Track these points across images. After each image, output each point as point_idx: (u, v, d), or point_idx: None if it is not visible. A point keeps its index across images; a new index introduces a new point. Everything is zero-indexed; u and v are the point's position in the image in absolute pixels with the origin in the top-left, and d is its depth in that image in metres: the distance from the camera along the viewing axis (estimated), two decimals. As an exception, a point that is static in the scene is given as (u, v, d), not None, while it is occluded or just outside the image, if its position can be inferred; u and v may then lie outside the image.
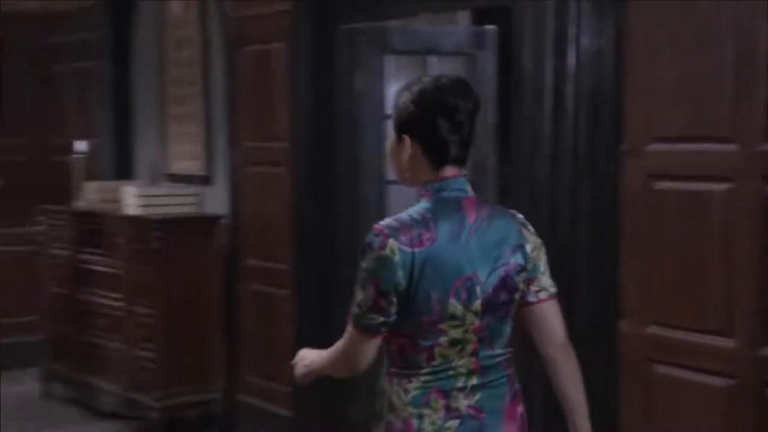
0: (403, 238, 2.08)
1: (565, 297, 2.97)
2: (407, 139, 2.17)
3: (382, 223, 2.14)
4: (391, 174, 4.44)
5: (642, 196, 3.02)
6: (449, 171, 2.17)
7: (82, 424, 5.38)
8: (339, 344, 2.23)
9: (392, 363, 2.17)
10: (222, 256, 5.09)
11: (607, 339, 3.10)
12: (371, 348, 2.15)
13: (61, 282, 5.61)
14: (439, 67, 4.58)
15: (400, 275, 2.08)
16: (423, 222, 2.11)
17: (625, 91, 2.98)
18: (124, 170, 5.96)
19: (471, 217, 2.15)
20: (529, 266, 2.20)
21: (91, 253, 5.35)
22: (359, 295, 2.12)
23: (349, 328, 2.16)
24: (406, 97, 2.18)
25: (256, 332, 4.95)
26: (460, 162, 2.18)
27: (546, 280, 2.25)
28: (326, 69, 4.65)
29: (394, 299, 2.09)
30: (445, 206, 2.14)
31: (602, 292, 3.07)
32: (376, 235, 2.10)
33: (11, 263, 6.31)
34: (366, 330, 2.12)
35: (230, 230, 5.08)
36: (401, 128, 2.19)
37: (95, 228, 5.34)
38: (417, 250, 2.08)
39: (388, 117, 4.55)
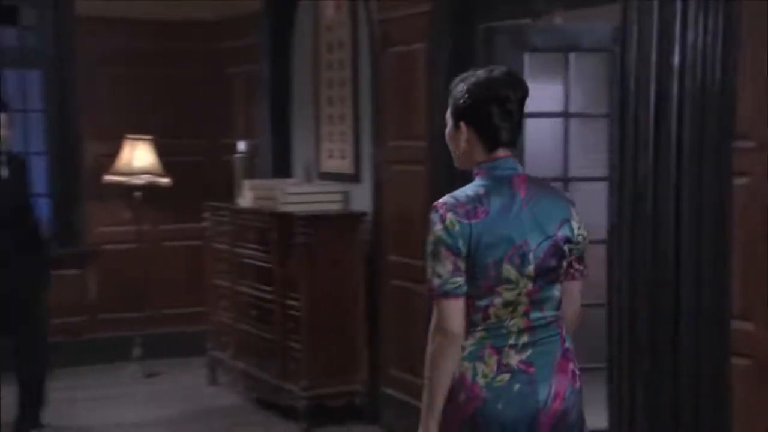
0: (459, 211, 2.35)
1: (670, 295, 2.92)
2: (463, 126, 2.44)
3: (440, 200, 2.40)
4: (527, 172, 4.53)
5: (761, 194, 2.91)
6: (501, 153, 2.44)
7: (239, 411, 5.68)
8: (432, 322, 2.38)
9: None
10: (365, 252, 5.24)
11: (716, 339, 3.00)
12: (460, 311, 2.35)
13: (223, 275, 5.95)
14: (579, 65, 4.54)
15: (461, 243, 2.33)
16: (477, 197, 2.37)
17: (739, 87, 2.88)
18: (283, 169, 6.22)
19: (521, 193, 2.40)
20: (576, 241, 2.45)
21: (248, 248, 5.64)
22: (437, 267, 2.35)
23: (435, 304, 2.36)
24: (462, 88, 2.45)
25: (397, 326, 5.07)
26: (510, 145, 2.45)
27: (585, 261, 2.52)
28: (465, 68, 4.66)
29: (464, 262, 2.34)
30: (497, 183, 2.40)
31: (708, 291, 2.97)
32: (436, 211, 2.37)
33: (182, 257, 6.75)
34: (452, 294, 2.34)
35: (373, 227, 5.22)
36: (458, 116, 2.46)
37: (252, 224, 5.62)
38: (473, 221, 2.34)
39: (527, 115, 4.58)
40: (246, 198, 5.74)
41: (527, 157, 4.63)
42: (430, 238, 2.37)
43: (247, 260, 5.66)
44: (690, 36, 2.92)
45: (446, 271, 2.34)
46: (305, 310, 5.17)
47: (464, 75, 2.51)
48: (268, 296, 5.45)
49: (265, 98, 6.27)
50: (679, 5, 2.95)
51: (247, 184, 5.77)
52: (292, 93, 6.26)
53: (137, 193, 6.33)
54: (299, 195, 5.35)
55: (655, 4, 3.00)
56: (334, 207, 5.40)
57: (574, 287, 2.52)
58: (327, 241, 5.18)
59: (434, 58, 4.78)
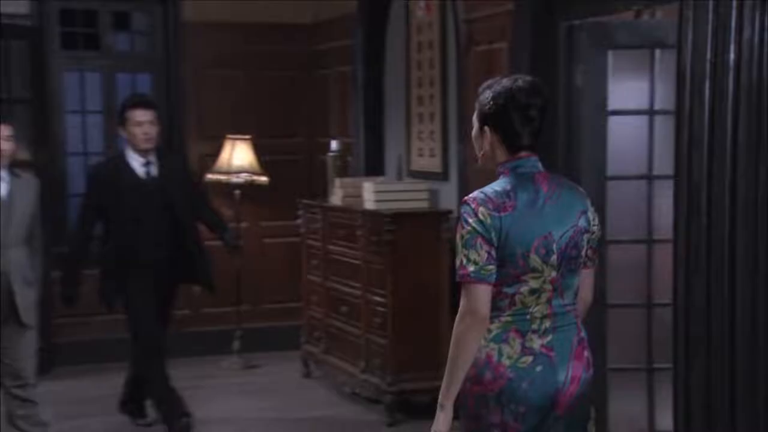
0: (490, 205, 2.53)
1: (726, 299, 2.88)
2: (487, 130, 2.63)
3: (470, 195, 2.58)
4: (612, 170, 4.50)
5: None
6: (522, 153, 2.62)
7: (330, 404, 5.82)
8: (461, 306, 2.55)
9: None
10: (450, 249, 5.29)
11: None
12: (489, 296, 2.53)
13: (315, 271, 6.10)
14: (664, 61, 4.47)
15: (493, 234, 2.51)
16: (504, 193, 2.55)
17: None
18: (376, 167, 6.34)
19: (544, 188, 2.59)
20: (591, 231, 2.65)
21: (338, 245, 5.78)
22: (472, 254, 2.51)
23: (467, 289, 2.52)
24: (488, 94, 2.63)
25: (480, 324, 5.09)
26: (530, 149, 2.62)
27: (597, 251, 2.72)
28: (546, 66, 4.69)
29: (495, 251, 2.51)
30: (521, 180, 2.58)
31: (764, 290, 2.90)
32: (468, 205, 2.55)
33: (281, 253, 6.94)
34: (485, 280, 2.51)
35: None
36: (483, 120, 2.65)
37: (341, 221, 5.76)
38: (502, 214, 2.52)
39: (611, 113, 4.57)
40: (336, 196, 5.88)
41: (610, 154, 4.63)
42: (466, 229, 2.53)
43: (337, 257, 5.80)
44: (746, 33, 2.87)
45: (481, 259, 2.50)
46: (390, 306, 5.26)
47: (490, 82, 2.68)
48: (356, 292, 5.57)
49: (359, 98, 6.41)
50: (734, 2, 2.90)
51: (337, 182, 5.91)
52: (385, 93, 6.37)
53: (237, 191, 6.55)
54: (386, 193, 5.44)
55: (711, 1, 2.95)
56: (421, 205, 5.47)
57: (588, 275, 2.71)
58: (412, 239, 5.26)
59: (516, 57, 4.79)
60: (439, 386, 5.57)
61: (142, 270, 4.88)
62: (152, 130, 4.88)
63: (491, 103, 2.60)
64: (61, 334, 6.61)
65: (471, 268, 2.51)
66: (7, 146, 4.50)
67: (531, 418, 2.56)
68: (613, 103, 4.56)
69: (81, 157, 6.96)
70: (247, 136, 6.63)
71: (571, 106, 4.60)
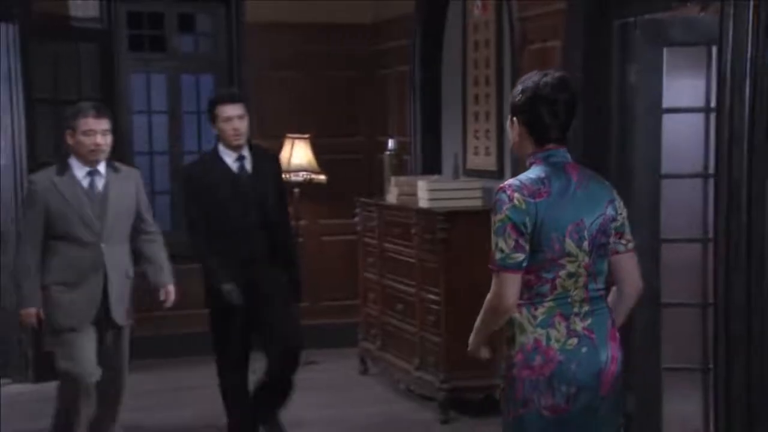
0: (525, 191, 2.63)
1: (766, 297, 2.84)
2: (516, 121, 2.76)
3: (505, 183, 2.69)
4: (665, 167, 4.46)
5: None
6: (551, 145, 2.72)
7: (386, 401, 5.87)
8: (490, 292, 2.71)
9: (521, 296, 2.69)
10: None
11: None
12: (516, 285, 2.64)
13: (371, 269, 6.16)
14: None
15: (527, 220, 2.60)
16: (539, 180, 2.66)
17: None
18: (433, 166, 6.37)
19: (574, 177, 2.70)
20: (619, 219, 2.74)
21: (393, 243, 5.83)
22: (500, 242, 2.61)
23: (495, 276, 2.65)
24: (519, 89, 2.76)
25: (533, 322, 5.09)
26: (558, 141, 2.72)
27: (629, 235, 2.80)
28: (600, 64, 4.66)
29: (527, 240, 2.60)
30: (554, 169, 2.69)
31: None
32: (504, 192, 2.65)
33: (339, 251, 7.01)
34: (512, 268, 2.61)
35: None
36: (512, 112, 2.78)
37: (397, 219, 5.80)
38: (537, 200, 2.62)
39: (666, 111, 4.53)
40: (392, 194, 5.93)
41: (664, 153, 4.58)
42: (498, 217, 2.63)
43: (392, 254, 5.85)
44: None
45: (508, 247, 2.60)
46: (444, 303, 5.29)
47: (523, 78, 2.81)
48: (411, 290, 5.61)
49: (417, 97, 6.44)
50: (776, -3, 2.86)
51: (393, 180, 5.95)
52: (442, 92, 6.39)
53: (296, 190, 6.65)
54: (440, 191, 5.47)
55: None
56: (474, 203, 5.48)
57: (627, 260, 2.80)
58: (466, 237, 5.27)
59: (569, 56, 4.77)
60: (493, 384, 5.60)
61: (241, 270, 4.66)
62: (242, 125, 4.72)
63: (520, 95, 2.72)
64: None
65: (498, 256, 2.62)
66: (103, 140, 4.40)
67: (581, 398, 2.66)
68: (667, 101, 4.52)
69: (147, 156, 7.14)
70: (306, 136, 6.71)
71: (625, 103, 4.57)
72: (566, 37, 4.80)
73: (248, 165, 4.76)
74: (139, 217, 4.58)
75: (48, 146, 6.42)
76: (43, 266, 4.38)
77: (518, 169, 5.25)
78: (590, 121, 4.71)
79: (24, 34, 6.26)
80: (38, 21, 6.35)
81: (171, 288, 4.69)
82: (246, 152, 4.78)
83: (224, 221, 4.69)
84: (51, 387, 6.13)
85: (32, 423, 5.49)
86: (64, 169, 4.39)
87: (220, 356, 4.85)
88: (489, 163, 5.71)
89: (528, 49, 5.14)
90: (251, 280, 4.66)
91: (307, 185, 6.68)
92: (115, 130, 6.71)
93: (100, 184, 4.42)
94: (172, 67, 7.15)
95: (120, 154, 6.81)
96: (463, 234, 5.27)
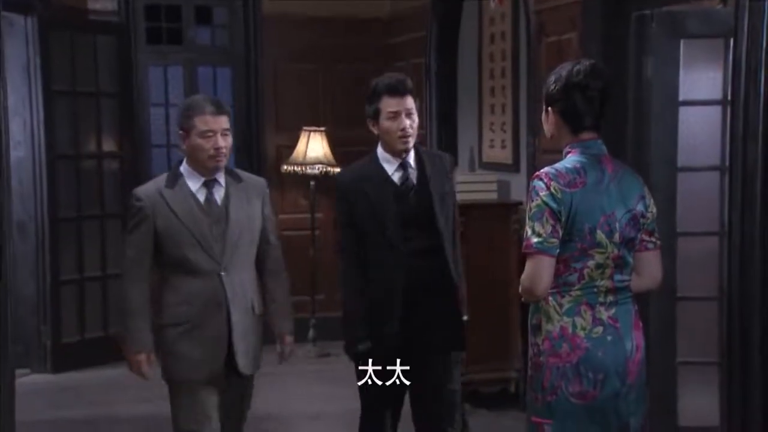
0: (561, 181, 2.67)
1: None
2: (551, 111, 2.78)
3: (542, 170, 2.72)
4: (682, 161, 4.44)
5: None
6: (586, 135, 2.75)
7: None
8: (523, 275, 2.73)
9: None
10: (519, 240, 5.28)
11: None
12: (551, 270, 2.67)
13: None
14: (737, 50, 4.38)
15: (563, 209, 2.64)
16: (575, 170, 2.69)
17: None
18: (449, 159, 6.36)
19: (609, 170, 2.73)
20: (649, 216, 2.80)
21: (409, 235, 5.82)
22: (537, 227, 2.65)
23: (530, 259, 2.67)
24: (552, 78, 2.78)
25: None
26: (593, 129, 2.76)
27: (658, 233, 2.86)
28: (617, 56, 4.65)
29: (561, 227, 2.64)
30: (590, 160, 2.72)
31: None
32: (541, 180, 2.68)
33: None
34: (548, 252, 2.64)
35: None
36: (547, 102, 2.80)
37: (413, 212, 5.79)
38: (573, 190, 2.66)
39: (683, 104, 4.50)
40: (408, 187, 5.91)
41: (681, 146, 4.56)
42: (535, 202, 2.67)
43: (408, 247, 5.84)
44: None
45: (545, 231, 2.63)
46: (460, 296, 5.28)
47: (557, 68, 2.82)
48: (427, 282, 5.61)
49: (433, 90, 6.44)
50: (792, -11, 2.85)
51: (409, 173, 5.94)
52: (458, 84, 6.39)
53: (312, 182, 6.66)
54: (456, 184, 5.44)
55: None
56: (490, 196, 5.48)
57: (652, 257, 2.85)
58: (481, 230, 5.28)
59: (586, 48, 4.77)
60: (508, 378, 5.58)
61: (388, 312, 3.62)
62: (413, 124, 3.77)
63: (554, 85, 2.75)
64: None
65: (535, 240, 2.64)
66: (224, 143, 3.47)
67: (608, 385, 2.70)
68: (684, 94, 4.50)
69: (163, 148, 7.18)
70: (322, 128, 6.73)
71: (642, 96, 4.54)
72: (583, 29, 4.79)
73: (413, 175, 3.72)
74: (264, 239, 3.66)
75: (66, 138, 6.47)
76: (153, 304, 3.53)
77: (534, 162, 5.29)
78: (607, 114, 4.69)
79: (43, 26, 6.31)
80: (57, 14, 6.40)
81: (289, 339, 3.79)
82: (412, 159, 3.77)
83: (379, 245, 3.64)
84: (69, 378, 6.24)
85: (50, 413, 5.55)
86: (175, 179, 3.50)
87: (363, 405, 3.92)
88: (505, 156, 5.71)
89: (544, 41, 5.13)
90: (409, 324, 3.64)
91: (323, 177, 6.70)
92: (133, 123, 6.91)
93: (218, 197, 3.53)
94: (189, 59, 7.18)
95: (137, 146, 6.92)
96: (478, 227, 5.27)
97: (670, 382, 4.42)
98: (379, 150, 3.76)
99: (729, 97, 4.32)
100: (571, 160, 2.74)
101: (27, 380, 6.17)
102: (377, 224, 3.63)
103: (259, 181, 3.73)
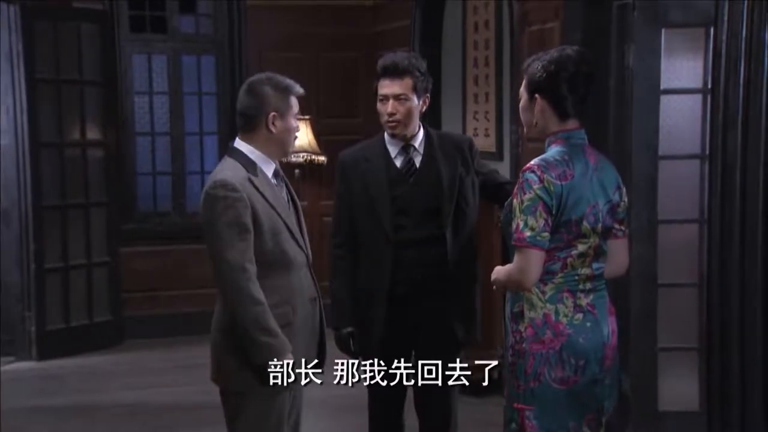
0: (553, 173, 2.68)
1: (759, 278, 2.88)
2: (538, 98, 2.76)
3: (533, 162, 2.71)
4: (663, 149, 4.48)
5: None
6: (571, 123, 2.76)
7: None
8: (513, 266, 2.73)
9: None
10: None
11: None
12: (541, 263, 2.69)
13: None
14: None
15: (554, 202, 2.67)
16: (564, 162, 2.71)
17: None
18: (433, 147, 6.38)
19: (591, 160, 2.76)
20: (622, 205, 2.81)
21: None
22: (530, 220, 2.66)
23: (521, 252, 2.68)
24: (537, 65, 2.77)
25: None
26: (578, 116, 2.76)
27: (626, 221, 2.86)
28: (598, 45, 4.69)
29: (553, 220, 2.66)
30: (575, 150, 2.74)
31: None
32: (533, 172, 2.68)
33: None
34: (540, 245, 2.67)
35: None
36: (533, 89, 2.78)
37: (397, 200, 5.82)
38: (564, 182, 2.68)
39: (664, 92, 4.54)
40: (392, 175, 5.93)
41: (663, 133, 4.60)
42: (528, 195, 2.67)
43: (392, 235, 5.87)
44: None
45: (538, 225, 2.66)
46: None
47: (538, 54, 2.83)
48: (411, 270, 5.64)
49: (417, 79, 6.45)
50: (771, -21, 2.88)
51: (393, 161, 5.97)
52: (442, 73, 6.41)
53: (296, 171, 6.68)
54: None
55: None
56: (474, 184, 5.50)
57: (620, 245, 2.89)
58: (465, 218, 5.29)
59: (568, 37, 4.79)
60: (492, 365, 5.59)
61: (388, 309, 3.47)
62: (402, 109, 3.46)
63: (541, 71, 2.75)
64: (130, 308, 6.85)
65: (528, 233, 2.66)
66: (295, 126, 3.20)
67: (589, 369, 2.75)
68: (665, 82, 4.54)
69: (148, 137, 7.18)
70: (306, 117, 6.74)
71: (623, 85, 4.59)
72: (565, 18, 4.82)
73: (417, 159, 3.52)
74: None
75: (50, 127, 6.46)
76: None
77: (518, 151, 5.32)
78: (588, 102, 4.72)
79: (26, 14, 6.28)
80: (40, 2, 6.38)
81: None
82: (419, 143, 3.54)
83: (377, 236, 3.48)
84: (54, 365, 6.25)
85: (35, 401, 5.56)
86: (254, 166, 3.13)
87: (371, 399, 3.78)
88: (488, 144, 5.74)
89: (527, 30, 5.16)
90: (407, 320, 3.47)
91: (308, 166, 6.71)
92: (117, 111, 6.89)
93: (283, 185, 3.27)
94: (173, 48, 7.18)
95: (121, 134, 6.92)
96: (462, 215, 5.29)
97: (651, 368, 4.47)
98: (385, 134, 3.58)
99: (709, 86, 4.44)
100: (557, 151, 2.75)
101: (11, 368, 6.18)
102: (370, 209, 3.46)
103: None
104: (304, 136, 6.67)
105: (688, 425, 4.21)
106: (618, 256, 2.89)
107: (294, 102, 3.19)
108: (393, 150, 3.52)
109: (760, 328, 2.95)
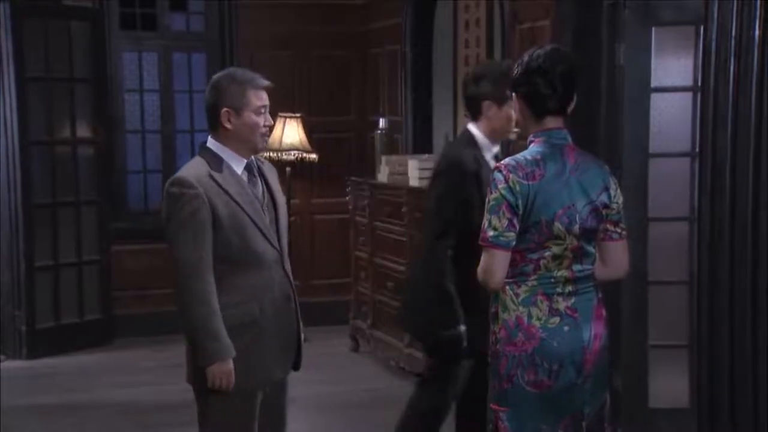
0: (520, 173, 2.65)
1: (749, 276, 2.89)
2: (515, 97, 2.78)
3: (502, 162, 2.72)
4: (653, 146, 4.49)
5: None
6: (551, 122, 2.74)
7: (376, 377, 5.93)
8: (479, 266, 2.71)
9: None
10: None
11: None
12: (506, 263, 2.68)
13: (363, 247, 6.20)
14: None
15: (520, 202, 2.64)
16: (535, 162, 2.68)
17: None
18: (424, 145, 6.40)
19: (571, 161, 2.71)
20: (614, 207, 2.77)
21: (384, 221, 5.87)
22: (494, 220, 2.66)
23: (486, 252, 2.68)
24: (517, 64, 2.78)
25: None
26: (558, 113, 2.73)
27: (624, 223, 2.83)
28: (589, 44, 4.69)
29: (519, 220, 2.64)
30: (551, 150, 2.70)
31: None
32: (500, 171, 2.67)
33: (330, 230, 7.06)
34: (504, 246, 2.66)
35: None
36: (513, 88, 2.78)
37: (387, 198, 5.84)
38: (531, 183, 2.65)
39: (655, 90, 4.55)
40: (383, 173, 5.96)
41: (653, 131, 4.62)
42: (493, 195, 2.66)
43: (383, 233, 5.89)
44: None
45: (501, 225, 2.64)
46: (434, 281, 5.31)
47: (521, 55, 2.82)
48: (401, 268, 5.65)
49: (408, 77, 6.46)
50: (761, -22, 2.89)
51: (384, 159, 5.99)
52: (433, 71, 6.42)
53: (287, 169, 6.67)
54: (430, 170, 5.47)
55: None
56: (465, 182, 5.50)
57: (618, 247, 2.83)
58: (455, 216, 5.30)
59: (559, 35, 4.80)
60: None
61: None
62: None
63: (518, 70, 2.75)
64: (121, 306, 6.84)
65: (491, 233, 2.65)
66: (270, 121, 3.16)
67: (564, 374, 2.71)
68: (656, 81, 4.55)
69: (138, 134, 7.16)
70: (297, 115, 6.74)
71: (614, 82, 4.60)
72: (556, 16, 4.83)
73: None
74: None
75: (40, 124, 6.44)
76: None
77: (508, 149, 5.31)
78: (579, 100, 4.73)
79: (16, 12, 6.26)
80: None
81: None
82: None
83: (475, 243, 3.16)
84: (44, 364, 6.24)
85: (25, 399, 5.55)
86: (219, 162, 3.08)
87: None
88: (479, 142, 5.73)
89: (518, 28, 5.17)
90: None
91: (299, 164, 6.71)
92: (107, 109, 6.88)
93: (260, 180, 3.20)
94: (164, 45, 7.16)
95: (112, 132, 6.90)
96: (453, 213, 5.29)
97: (642, 365, 4.49)
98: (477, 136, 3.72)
99: (699, 84, 4.45)
100: (532, 150, 2.73)
101: (2, 366, 6.16)
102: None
103: (270, 164, 3.35)
104: (295, 134, 6.67)
105: (678, 422, 4.23)
106: (615, 258, 2.83)
107: (254, 96, 3.09)
108: (490, 157, 3.65)
109: (750, 325, 2.96)
